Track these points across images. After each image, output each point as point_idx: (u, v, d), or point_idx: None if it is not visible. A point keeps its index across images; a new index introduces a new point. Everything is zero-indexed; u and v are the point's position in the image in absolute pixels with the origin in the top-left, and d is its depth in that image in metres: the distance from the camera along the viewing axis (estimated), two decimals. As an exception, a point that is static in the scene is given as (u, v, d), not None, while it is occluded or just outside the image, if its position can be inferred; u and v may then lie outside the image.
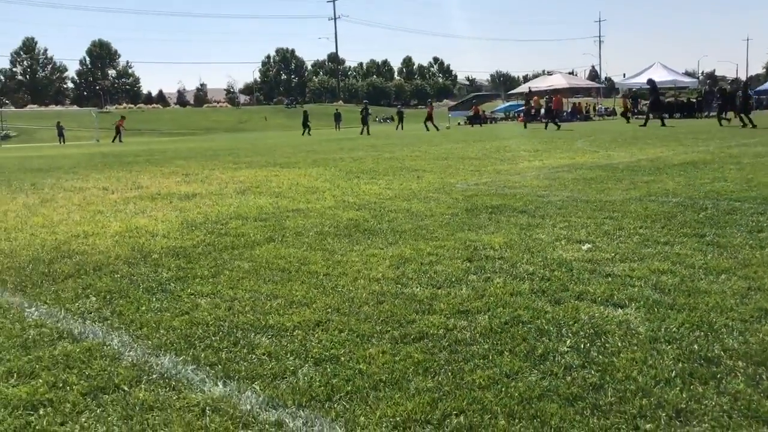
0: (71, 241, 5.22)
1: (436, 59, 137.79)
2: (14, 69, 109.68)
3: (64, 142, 42.30)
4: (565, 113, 38.67)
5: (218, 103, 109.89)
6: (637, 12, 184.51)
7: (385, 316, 3.03)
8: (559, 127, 26.15)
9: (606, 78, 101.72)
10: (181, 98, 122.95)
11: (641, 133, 19.67)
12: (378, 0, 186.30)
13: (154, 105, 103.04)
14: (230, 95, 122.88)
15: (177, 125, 65.01)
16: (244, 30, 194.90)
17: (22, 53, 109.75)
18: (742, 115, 20.53)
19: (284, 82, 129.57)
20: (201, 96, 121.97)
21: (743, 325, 2.78)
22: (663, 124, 22.14)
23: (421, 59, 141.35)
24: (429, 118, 33.80)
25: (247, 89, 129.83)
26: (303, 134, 34.05)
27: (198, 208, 6.84)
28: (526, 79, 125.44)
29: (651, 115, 23.37)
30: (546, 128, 26.19)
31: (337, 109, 52.42)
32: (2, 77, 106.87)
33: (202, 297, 3.48)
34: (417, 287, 3.49)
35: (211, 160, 14.66)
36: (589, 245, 4.33)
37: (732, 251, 4.05)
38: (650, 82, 25.43)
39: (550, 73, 54.24)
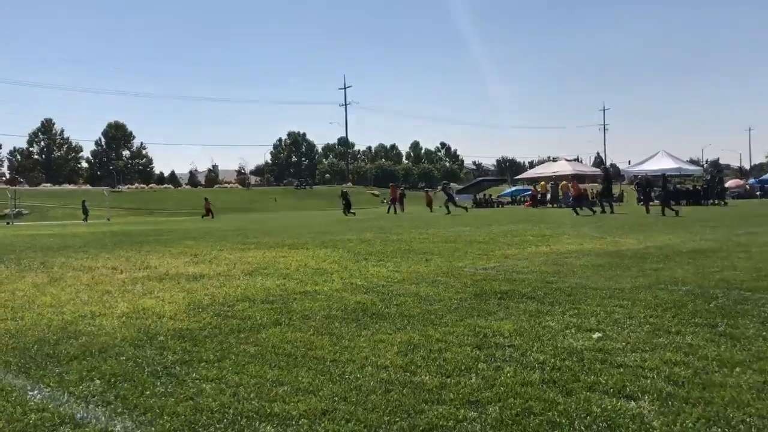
0: (78, 321, 5.20)
1: (443, 144, 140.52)
2: (31, 149, 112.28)
3: (86, 220, 42.81)
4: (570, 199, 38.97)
5: (229, 183, 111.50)
6: (641, 101, 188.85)
7: (393, 406, 2.96)
8: (595, 212, 25.80)
9: (611, 164, 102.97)
10: (193, 179, 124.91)
11: (648, 219, 19.74)
12: (387, 88, 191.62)
13: (166, 185, 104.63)
14: (241, 176, 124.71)
15: (187, 205, 65.68)
16: (257, 114, 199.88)
17: (40, 134, 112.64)
18: (663, 205, 22.49)
19: (295, 164, 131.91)
20: (212, 177, 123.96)
21: (761, 422, 2.70)
22: (677, 214, 22.33)
23: (429, 144, 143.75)
24: (429, 202, 34.99)
25: (258, 171, 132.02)
26: (346, 214, 34.06)
27: (205, 289, 6.82)
28: (531, 165, 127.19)
29: (665, 208, 23.56)
30: (594, 212, 25.81)
31: (343, 190, 53.00)
32: (19, 156, 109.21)
33: (207, 382, 3.43)
34: (426, 375, 3.43)
35: (220, 240, 14.73)
36: (599, 334, 4.27)
37: (745, 343, 3.99)
38: (663, 176, 26.28)
39: (555, 159, 54.98)
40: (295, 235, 15.83)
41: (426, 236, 14.00)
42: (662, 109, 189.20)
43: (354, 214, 34.61)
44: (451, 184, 46.98)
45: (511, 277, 7.11)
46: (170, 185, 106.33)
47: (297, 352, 3.99)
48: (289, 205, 68.59)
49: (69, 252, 12.31)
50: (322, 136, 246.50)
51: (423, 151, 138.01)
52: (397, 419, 2.80)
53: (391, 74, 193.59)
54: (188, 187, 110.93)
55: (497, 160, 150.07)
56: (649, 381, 3.26)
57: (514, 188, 68.68)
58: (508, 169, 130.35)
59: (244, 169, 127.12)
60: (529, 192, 36.90)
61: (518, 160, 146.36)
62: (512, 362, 3.67)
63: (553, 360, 3.68)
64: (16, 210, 54.80)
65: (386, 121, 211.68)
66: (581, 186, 33.40)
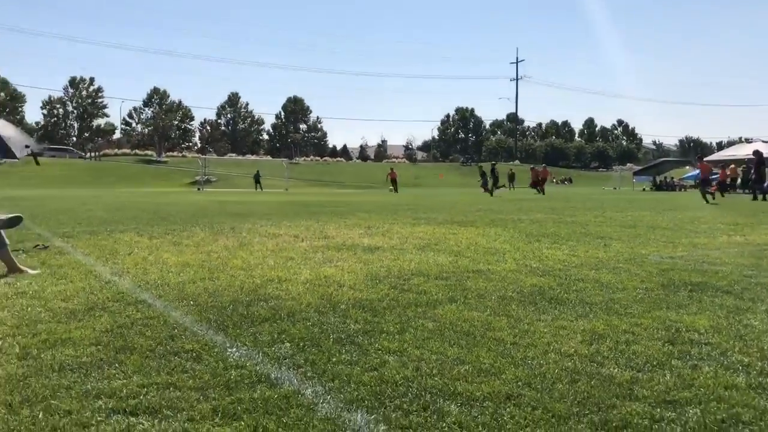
0: (266, 285, 5.54)
1: (620, 122, 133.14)
2: (219, 121, 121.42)
3: (261, 189, 46.17)
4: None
5: (396, 158, 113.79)
6: None
7: (582, 398, 2.84)
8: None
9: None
10: (363, 153, 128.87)
11: None
12: (561, 61, 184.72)
13: (338, 158, 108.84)
14: (408, 151, 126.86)
15: (358, 178, 68.13)
16: (426, 89, 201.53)
17: (227, 106, 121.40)
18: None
19: (461, 141, 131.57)
20: (381, 152, 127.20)
21: None
22: None
23: (604, 121, 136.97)
24: (537, 182, 33.52)
25: (425, 146, 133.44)
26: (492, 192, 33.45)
27: (381, 261, 6.99)
28: (720, 146, 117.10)
29: None
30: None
31: (511, 169, 52.17)
32: (209, 128, 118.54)
33: (389, 354, 3.50)
34: (614, 368, 3.25)
35: (391, 214, 15.08)
36: (815, 339, 3.82)
37: None
38: None
39: (749, 141, 50.16)
40: (463, 212, 15.83)
41: (602, 219, 13.38)
42: None
43: (500, 187, 33.95)
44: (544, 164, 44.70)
45: (702, 268, 6.58)
46: (342, 159, 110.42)
47: (475, 332, 3.96)
48: (454, 181, 68.77)
49: (254, 219, 13.20)
50: (490, 112, 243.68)
51: (598, 128, 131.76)
52: (587, 412, 2.68)
53: (566, 47, 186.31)
54: (359, 161, 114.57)
55: (680, 140, 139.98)
56: None
57: (697, 171, 63.72)
58: (692, 149, 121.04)
59: (411, 145, 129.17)
60: (717, 176, 33.86)
61: (704, 140, 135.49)
62: (711, 361, 3.38)
63: (759, 363, 3.35)
64: (206, 177, 59.83)
65: (558, 97, 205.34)
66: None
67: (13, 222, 6.09)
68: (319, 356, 3.46)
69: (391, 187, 41.19)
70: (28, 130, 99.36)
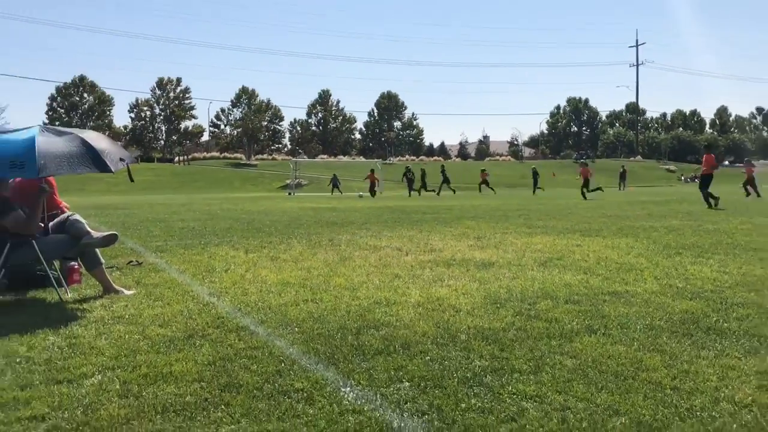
0: (374, 308, 5.43)
1: (759, 109, 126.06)
2: (309, 120, 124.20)
3: (340, 192, 46.57)
4: None
5: (500, 156, 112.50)
6: None
7: (775, 465, 2.53)
8: None
9: None
10: (463, 151, 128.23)
11: None
12: (690, 43, 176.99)
13: (435, 158, 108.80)
14: (513, 148, 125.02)
15: (459, 179, 67.65)
16: (532, 79, 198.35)
17: (317, 105, 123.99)
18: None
19: (574, 135, 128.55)
20: (483, 148, 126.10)
21: None
22: None
23: (740, 110, 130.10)
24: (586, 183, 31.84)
25: (533, 142, 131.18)
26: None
27: (498, 280, 6.76)
28: None
29: None
30: None
31: (623, 166, 50.48)
32: (299, 128, 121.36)
33: (526, 399, 3.28)
34: (809, 425, 2.90)
35: (502, 221, 14.75)
36: None
37: None
38: None
39: None
40: (585, 219, 15.28)
41: (751, 227, 12.52)
42: None
43: (601, 190, 33.39)
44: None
45: None
46: (440, 158, 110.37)
47: (625, 372, 3.67)
48: (568, 181, 67.02)
49: (352, 228, 13.23)
50: (606, 102, 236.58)
51: (732, 117, 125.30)
52: (786, 486, 2.37)
53: (693, 26, 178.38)
54: (458, 159, 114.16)
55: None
56: None
57: None
58: None
59: (517, 140, 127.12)
60: None
61: None
62: None
63: None
64: (297, 181, 61.18)
65: (685, 83, 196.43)
66: None
67: (109, 240, 6.27)
68: (444, 400, 3.28)
69: (491, 189, 43.85)
70: (116, 134, 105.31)
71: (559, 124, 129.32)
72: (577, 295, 5.87)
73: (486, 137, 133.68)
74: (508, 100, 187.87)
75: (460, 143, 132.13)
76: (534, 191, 41.53)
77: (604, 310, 5.24)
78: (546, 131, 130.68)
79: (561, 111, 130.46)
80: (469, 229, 12.62)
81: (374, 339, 4.45)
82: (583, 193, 30.88)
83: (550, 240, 10.50)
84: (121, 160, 6.06)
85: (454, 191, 44.10)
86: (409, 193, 43.03)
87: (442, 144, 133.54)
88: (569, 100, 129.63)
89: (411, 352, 4.13)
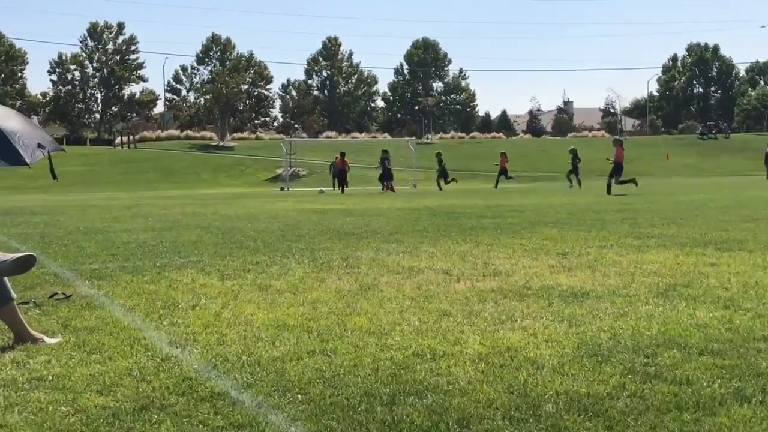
0: (414, 364, 5.36)
1: None
2: (309, 82, 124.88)
3: (342, 189, 46.05)
4: None
5: (589, 130, 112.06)
6: None
7: None
8: None
9: None
10: (533, 123, 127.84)
11: None
12: None
13: (494, 134, 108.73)
14: (609, 118, 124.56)
15: (528, 164, 67.70)
16: (636, 17, 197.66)
17: (321, 59, 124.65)
18: None
19: (698, 98, 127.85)
20: (563, 120, 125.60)
21: None
22: None
23: None
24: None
25: (636, 109, 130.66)
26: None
27: (596, 318, 6.69)
28: None
29: None
30: None
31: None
32: (294, 93, 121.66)
33: (651, 507, 3.17)
34: None
35: (596, 228, 14.66)
36: None
37: None
38: None
39: None
40: (721, 224, 15.16)
41: None
42: None
43: (635, 183, 33.56)
44: None
45: None
46: (501, 134, 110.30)
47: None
48: (688, 164, 66.85)
49: (376, 241, 13.21)
50: (746, 50, 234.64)
51: None
52: None
53: None
54: (526, 136, 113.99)
55: None
56: None
57: None
58: None
59: (613, 107, 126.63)
60: None
61: None
62: None
63: None
64: (292, 170, 61.32)
65: None
66: None
67: (24, 265, 6.24)
68: None
69: (511, 176, 47.15)
70: (30, 105, 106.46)
71: (676, 82, 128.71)
72: (718, 342, 5.77)
73: (568, 103, 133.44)
74: (600, 49, 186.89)
75: (530, 113, 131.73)
76: (572, 181, 42.53)
77: (760, 366, 5.13)
78: (657, 93, 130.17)
79: (678, 64, 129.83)
80: (549, 241, 12.55)
81: (416, 412, 4.37)
82: (608, 186, 31.12)
83: (671, 257, 10.40)
84: (40, 146, 6.04)
85: (441, 186, 46.70)
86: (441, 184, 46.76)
87: (504, 114, 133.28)
88: (691, 49, 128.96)
89: (472, 432, 4.05)
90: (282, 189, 51.72)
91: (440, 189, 44.63)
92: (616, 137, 43.20)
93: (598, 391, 4.68)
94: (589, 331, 6.23)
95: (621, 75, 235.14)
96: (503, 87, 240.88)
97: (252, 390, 4.85)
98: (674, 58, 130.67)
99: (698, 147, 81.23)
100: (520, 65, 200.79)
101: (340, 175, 47.78)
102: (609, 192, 31.16)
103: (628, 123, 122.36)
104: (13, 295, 6.36)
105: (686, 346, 5.68)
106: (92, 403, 4.65)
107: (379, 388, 4.82)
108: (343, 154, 49.07)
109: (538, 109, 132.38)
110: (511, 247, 11.93)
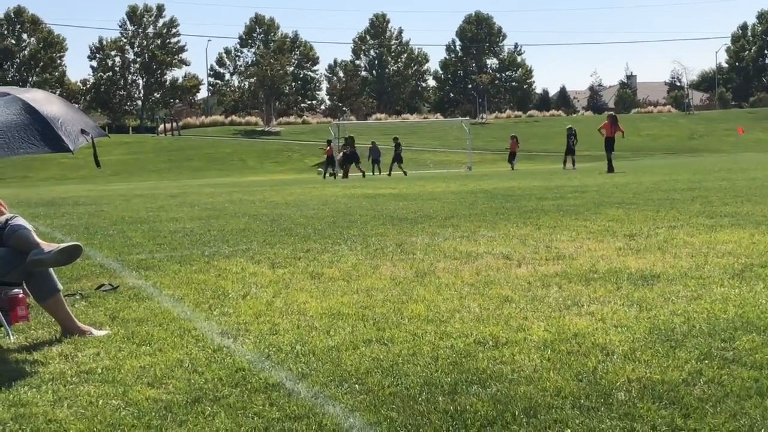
0: (476, 351, 5.33)
1: None
2: (357, 62, 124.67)
3: (380, 171, 47.29)
4: None
5: (654, 106, 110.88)
6: None
7: None
8: None
9: None
10: (595, 100, 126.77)
11: None
12: None
13: (552, 112, 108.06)
14: (675, 92, 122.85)
15: (591, 142, 66.99)
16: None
17: (368, 38, 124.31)
18: None
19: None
20: (627, 95, 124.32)
21: None
22: None
23: None
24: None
25: (704, 82, 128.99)
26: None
27: (668, 302, 6.61)
28: None
29: None
30: None
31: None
32: (341, 73, 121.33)
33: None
34: None
35: (665, 208, 14.50)
36: None
37: None
38: None
39: None
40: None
41: None
42: None
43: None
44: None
45: None
46: (560, 111, 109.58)
47: None
48: (760, 139, 65.88)
49: (431, 226, 13.19)
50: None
51: None
52: None
53: None
54: (587, 113, 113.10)
55: None
56: None
57: None
58: None
59: (680, 80, 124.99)
60: None
61: None
62: None
63: None
64: (342, 153, 61.17)
65: None
66: None
67: (69, 255, 6.29)
68: (602, 500, 3.15)
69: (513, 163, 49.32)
70: (71, 93, 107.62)
71: (747, 53, 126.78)
72: (800, 325, 5.68)
73: (631, 77, 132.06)
74: (664, 19, 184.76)
75: (591, 88, 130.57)
76: (566, 162, 45.48)
77: None
78: (726, 65, 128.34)
79: (749, 33, 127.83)
80: (615, 222, 12.45)
81: (479, 401, 4.34)
82: (609, 162, 31.50)
83: (746, 236, 10.29)
84: (83, 132, 6.09)
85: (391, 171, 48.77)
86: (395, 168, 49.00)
87: (563, 90, 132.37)
88: (762, 16, 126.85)
89: (540, 423, 4.02)
90: (319, 173, 51.99)
91: (389, 174, 47.35)
92: (610, 113, 43.69)
93: (672, 377, 4.62)
94: (661, 315, 6.16)
95: (687, 46, 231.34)
96: (561, 62, 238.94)
97: (307, 380, 4.86)
98: (744, 27, 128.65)
99: (770, 121, 79.77)
100: (579, 38, 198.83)
101: (348, 159, 49.10)
102: (611, 169, 31.36)
103: (696, 97, 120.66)
104: (60, 286, 6.42)
105: (766, 329, 5.61)
106: (143, 396, 4.69)
107: (439, 377, 4.80)
108: (329, 143, 51.70)
109: (600, 85, 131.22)
110: (574, 229, 11.84)
